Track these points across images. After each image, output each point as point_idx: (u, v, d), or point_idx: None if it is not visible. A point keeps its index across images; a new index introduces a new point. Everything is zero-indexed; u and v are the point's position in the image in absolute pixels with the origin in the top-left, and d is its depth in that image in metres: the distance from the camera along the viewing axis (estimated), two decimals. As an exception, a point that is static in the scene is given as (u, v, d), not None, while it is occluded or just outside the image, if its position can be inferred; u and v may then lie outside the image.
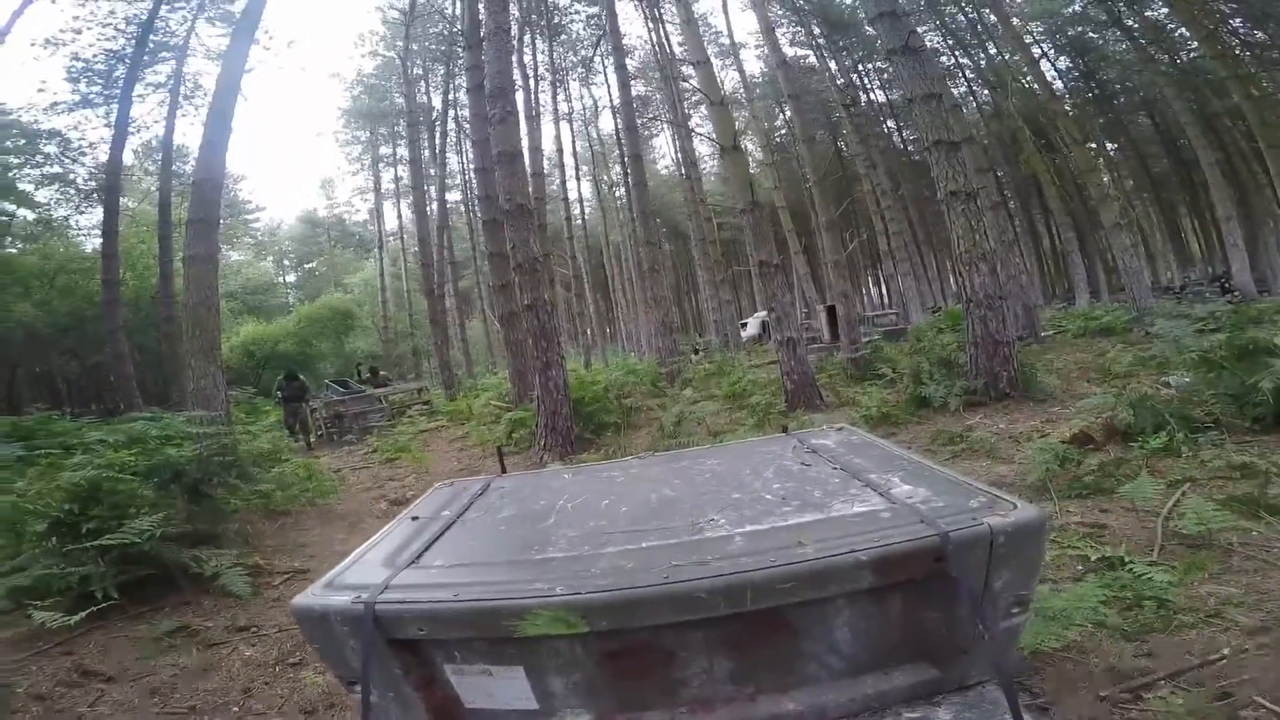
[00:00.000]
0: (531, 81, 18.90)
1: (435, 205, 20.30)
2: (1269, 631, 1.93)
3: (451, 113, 21.44)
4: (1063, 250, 21.99)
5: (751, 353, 16.69)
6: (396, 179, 27.62)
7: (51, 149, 17.52)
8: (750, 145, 24.72)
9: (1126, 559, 2.48)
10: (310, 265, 39.23)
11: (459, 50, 16.53)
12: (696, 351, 17.54)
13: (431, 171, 20.85)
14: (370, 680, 1.00)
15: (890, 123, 24.97)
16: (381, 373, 15.88)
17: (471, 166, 18.55)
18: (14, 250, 18.54)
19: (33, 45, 17.47)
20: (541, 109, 20.08)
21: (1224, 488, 3.18)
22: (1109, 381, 5.85)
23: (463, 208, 24.81)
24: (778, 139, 26.26)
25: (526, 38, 18.89)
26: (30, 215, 19.00)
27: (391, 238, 29.57)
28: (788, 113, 20.45)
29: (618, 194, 26.37)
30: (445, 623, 0.97)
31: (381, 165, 28.57)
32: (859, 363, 9.44)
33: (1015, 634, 1.10)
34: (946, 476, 1.22)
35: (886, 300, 31.18)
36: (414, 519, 1.39)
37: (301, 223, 38.60)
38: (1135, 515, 3.03)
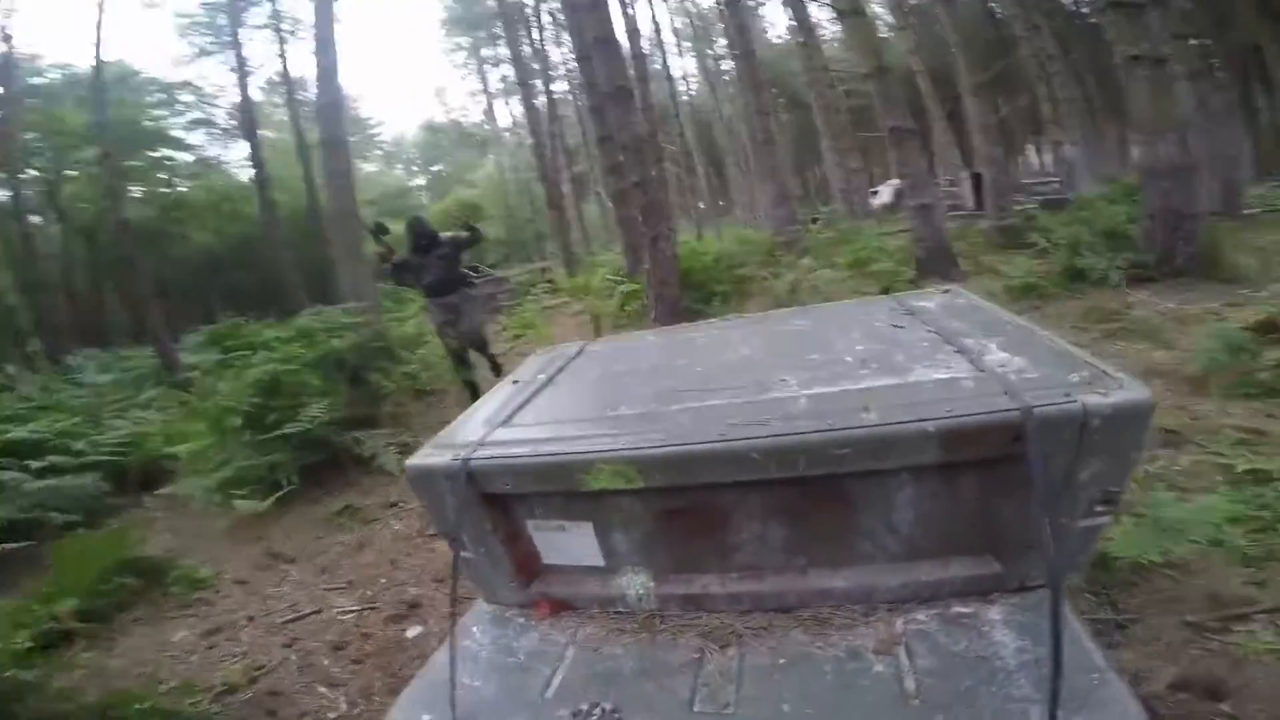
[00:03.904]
0: (620, -38, 17.37)
1: (543, 98, 20.28)
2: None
3: (544, 5, 20.75)
4: (1288, 124, 17.52)
5: (882, 221, 15.39)
6: (503, 78, 27.93)
7: (188, 97, 20.10)
8: (879, 8, 21.45)
9: (1278, 475, 2.14)
10: (436, 168, 41.66)
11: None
12: (815, 221, 16.44)
13: (535, 66, 20.67)
14: (463, 532, 1.15)
15: (1057, -20, 20.15)
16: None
17: (573, 56, 18.14)
18: (184, 189, 21.55)
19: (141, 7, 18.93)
20: (635, -11, 18.60)
21: None
22: (1322, 265, 4.79)
23: (570, 97, 24.50)
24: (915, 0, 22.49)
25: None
26: (189, 157, 21.81)
27: (507, 133, 30.32)
28: (925, -29, 17.32)
29: (725, 65, 24.51)
30: (525, 477, 1.07)
31: (487, 66, 28.92)
32: (1007, 231, 8.50)
33: (1094, 536, 1.00)
34: (1053, 345, 1.09)
35: (1051, 171, 27.13)
36: (514, 383, 1.49)
37: (423, 130, 40.95)
38: (1309, 426, 2.56)
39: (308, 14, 14.87)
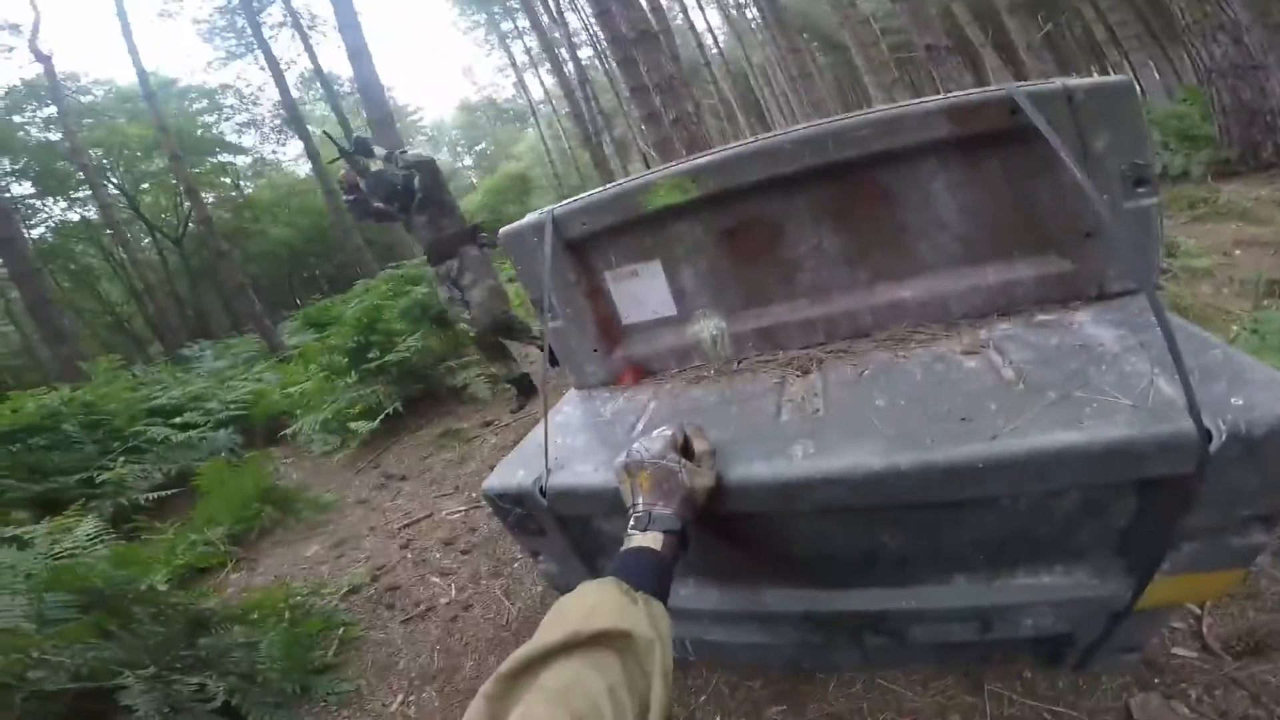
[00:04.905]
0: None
1: (570, 64, 20.36)
2: None
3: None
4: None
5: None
6: (527, 49, 27.91)
7: (230, 100, 20.83)
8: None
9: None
10: (479, 147, 42.64)
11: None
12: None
13: (556, 34, 20.66)
14: (552, 292, 1.25)
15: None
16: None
17: (590, 14, 17.92)
18: (249, 189, 22.63)
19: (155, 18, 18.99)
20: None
21: None
22: None
23: (597, 62, 24.42)
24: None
25: None
26: (247, 159, 22.73)
27: (541, 104, 30.56)
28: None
29: (749, 15, 23.79)
30: (596, 212, 1.21)
31: (509, 40, 28.99)
32: (1071, 142, 8.12)
33: (1148, 221, 0.97)
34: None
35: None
36: None
37: (459, 111, 41.84)
38: None
39: (323, 8, 15.26)
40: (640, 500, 0.85)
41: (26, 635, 1.63)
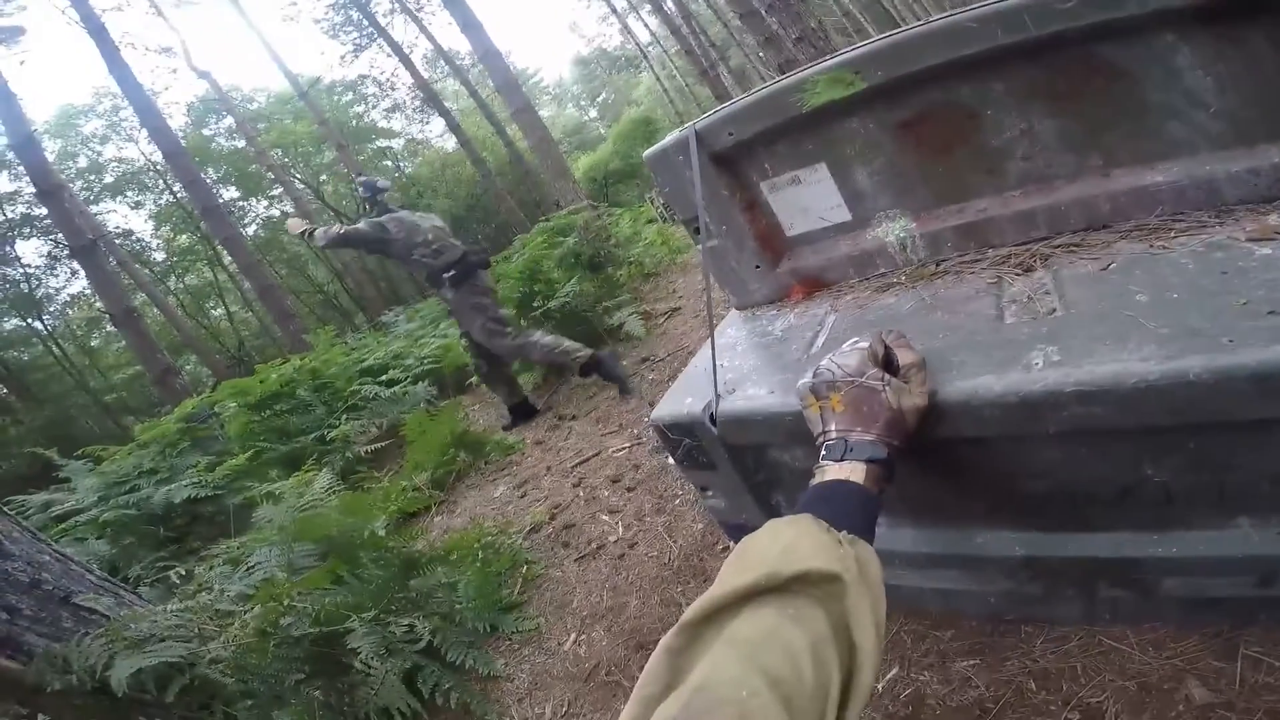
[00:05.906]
0: None
1: (669, 2, 19.26)
2: None
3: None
4: None
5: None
6: None
7: (370, 89, 22.23)
8: None
9: None
10: (600, 98, 42.84)
11: None
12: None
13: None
14: (705, 207, 1.15)
15: None
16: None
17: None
18: (408, 169, 24.74)
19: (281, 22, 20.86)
20: None
21: None
22: None
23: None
24: None
25: None
26: (400, 141, 24.63)
27: (650, 45, 29.84)
28: None
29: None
30: (744, 119, 1.07)
31: None
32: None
33: None
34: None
35: None
36: None
37: (574, 66, 42.43)
38: None
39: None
40: (833, 426, 0.75)
41: (280, 584, 1.85)
